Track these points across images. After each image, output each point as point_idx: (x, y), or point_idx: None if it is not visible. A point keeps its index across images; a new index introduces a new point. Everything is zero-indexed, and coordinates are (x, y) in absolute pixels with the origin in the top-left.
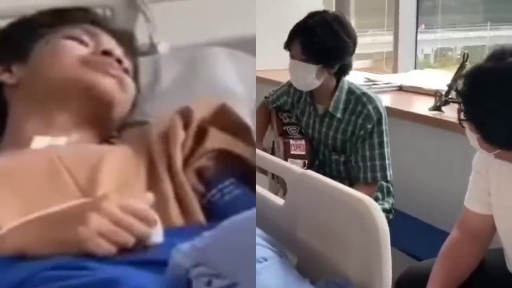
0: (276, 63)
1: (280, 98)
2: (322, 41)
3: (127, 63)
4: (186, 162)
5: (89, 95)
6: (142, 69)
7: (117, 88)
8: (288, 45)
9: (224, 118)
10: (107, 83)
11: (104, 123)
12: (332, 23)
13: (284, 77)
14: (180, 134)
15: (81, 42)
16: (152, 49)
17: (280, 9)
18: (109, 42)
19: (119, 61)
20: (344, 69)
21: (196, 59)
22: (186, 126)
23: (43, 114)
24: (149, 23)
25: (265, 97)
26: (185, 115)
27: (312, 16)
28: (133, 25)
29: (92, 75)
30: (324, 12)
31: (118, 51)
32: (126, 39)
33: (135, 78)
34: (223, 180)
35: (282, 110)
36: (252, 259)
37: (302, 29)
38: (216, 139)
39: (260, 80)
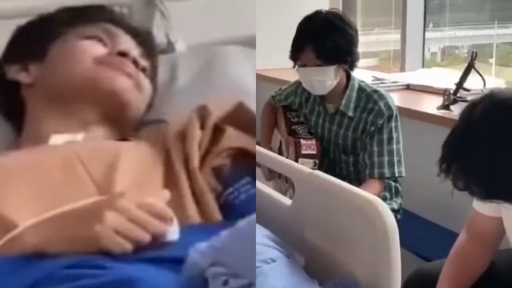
0: (283, 62)
1: (287, 98)
2: (334, 41)
3: (144, 63)
4: (203, 160)
5: (104, 95)
6: (159, 67)
7: (132, 88)
8: (297, 55)
9: (241, 117)
10: (122, 83)
11: (120, 123)
12: (334, 20)
13: (291, 76)
14: (197, 133)
15: (99, 41)
16: (169, 47)
17: (287, 8)
18: (126, 42)
19: (135, 62)
20: (354, 62)
21: (212, 58)
22: (203, 125)
23: (59, 113)
24: (166, 22)
25: (272, 96)
26: (202, 114)
27: (309, 19)
28: (150, 23)
29: (108, 74)
30: (320, 12)
31: (134, 51)
32: (144, 38)
33: (153, 78)
34: (239, 179)
35: (290, 109)
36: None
37: (310, 35)
38: (233, 138)
39: (268, 80)
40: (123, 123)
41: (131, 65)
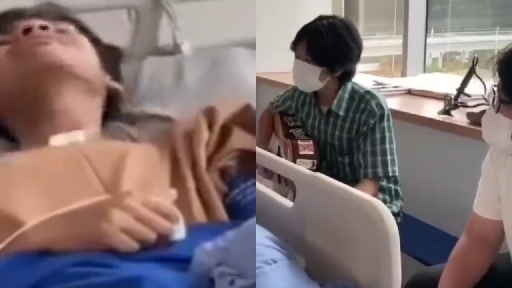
0: (282, 65)
1: (284, 103)
2: (327, 44)
3: (61, 26)
4: (209, 161)
5: (40, 76)
6: (166, 68)
7: (59, 48)
8: (294, 45)
9: (247, 118)
10: (44, 50)
11: (84, 91)
12: (339, 28)
13: (290, 80)
14: (205, 134)
15: (1, 44)
16: (175, 49)
17: (287, 12)
18: (25, 23)
19: (43, 27)
20: (348, 75)
21: (218, 59)
22: (210, 126)
23: (37, 120)
24: (173, 24)
25: (270, 103)
26: (210, 114)
27: (321, 19)
28: (157, 25)
29: (27, 59)
30: (334, 17)
31: (37, 21)
32: (47, 9)
33: (90, 36)
34: (245, 180)
35: (287, 114)
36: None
37: (309, 30)
38: (240, 139)
39: (267, 82)
40: (87, 91)
41: (40, 32)
